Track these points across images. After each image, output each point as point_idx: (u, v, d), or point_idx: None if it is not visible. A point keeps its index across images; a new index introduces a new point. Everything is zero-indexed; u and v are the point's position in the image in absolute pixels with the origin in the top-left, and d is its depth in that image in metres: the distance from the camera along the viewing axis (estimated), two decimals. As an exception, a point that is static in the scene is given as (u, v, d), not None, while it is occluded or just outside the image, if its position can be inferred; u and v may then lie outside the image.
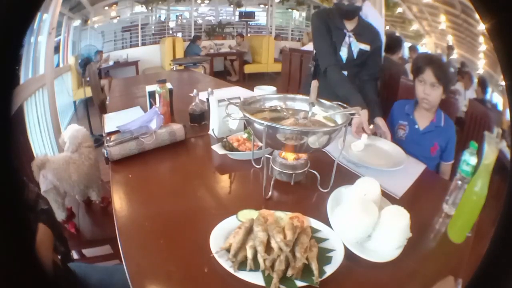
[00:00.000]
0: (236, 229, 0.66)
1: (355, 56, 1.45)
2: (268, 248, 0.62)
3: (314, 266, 0.59)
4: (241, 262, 0.60)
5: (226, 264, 0.60)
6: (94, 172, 1.27)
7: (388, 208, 0.70)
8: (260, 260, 0.59)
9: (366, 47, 1.45)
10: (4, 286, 0.35)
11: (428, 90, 1.25)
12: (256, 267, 0.59)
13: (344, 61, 1.46)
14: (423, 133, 1.30)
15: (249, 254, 0.60)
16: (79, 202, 1.35)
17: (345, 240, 0.68)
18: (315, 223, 0.72)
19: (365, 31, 1.46)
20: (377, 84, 1.54)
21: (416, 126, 1.32)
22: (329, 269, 0.60)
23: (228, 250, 0.62)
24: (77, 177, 1.21)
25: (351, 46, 1.44)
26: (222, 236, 0.66)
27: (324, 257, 0.63)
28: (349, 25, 1.44)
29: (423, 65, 1.27)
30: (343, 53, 1.45)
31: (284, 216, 0.72)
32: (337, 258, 0.62)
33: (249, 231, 0.65)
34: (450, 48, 3.81)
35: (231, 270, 0.59)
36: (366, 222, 0.68)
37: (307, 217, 0.72)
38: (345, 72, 1.46)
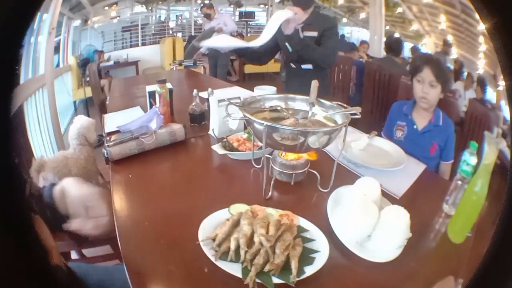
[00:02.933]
0: (224, 221, 0.68)
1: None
2: (251, 242, 0.63)
3: (294, 265, 0.59)
4: (224, 252, 0.62)
5: (209, 252, 0.61)
6: (91, 166, 1.27)
7: (388, 208, 0.70)
8: (241, 252, 0.60)
9: (313, 33, 1.55)
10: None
11: (426, 89, 1.26)
12: (237, 258, 0.60)
13: (290, 50, 1.55)
14: (422, 133, 1.30)
15: (232, 245, 0.62)
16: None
17: (345, 240, 0.68)
18: (304, 223, 0.72)
19: (316, 21, 1.56)
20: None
21: (415, 126, 1.32)
22: (310, 270, 0.59)
23: (214, 240, 0.64)
24: (77, 171, 1.22)
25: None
26: (211, 227, 0.68)
27: (307, 257, 0.63)
28: (304, 18, 1.54)
29: (422, 64, 1.27)
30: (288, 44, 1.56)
31: (274, 213, 0.73)
32: (320, 260, 0.62)
33: (236, 224, 0.67)
34: (447, 45, 3.81)
35: (213, 259, 0.60)
36: (366, 222, 0.68)
37: (297, 216, 0.73)
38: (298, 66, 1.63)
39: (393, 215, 0.68)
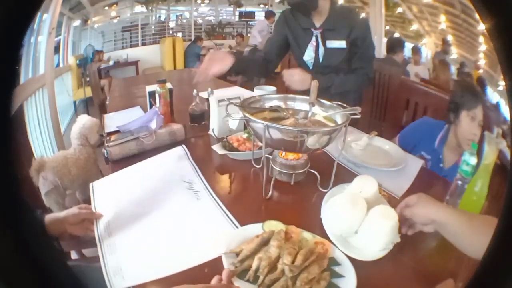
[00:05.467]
0: (253, 237, 0.64)
1: (321, 59, 1.20)
2: (274, 267, 0.59)
3: None
4: (244, 270, 0.58)
5: (227, 266, 0.58)
6: (91, 167, 1.26)
7: (378, 207, 0.69)
8: (260, 276, 0.57)
9: (340, 43, 1.16)
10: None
11: (475, 129, 1.07)
12: (255, 280, 0.57)
13: (311, 67, 1.23)
14: (445, 175, 1.13)
15: (254, 265, 0.58)
16: (79, 202, 1.35)
17: (330, 232, 0.68)
18: (339, 256, 0.65)
19: (340, 23, 1.15)
20: (360, 79, 1.22)
21: (441, 165, 1.16)
22: None
23: (237, 254, 0.61)
24: (76, 171, 1.21)
25: (318, 48, 1.20)
26: (238, 240, 0.64)
27: None
28: (317, 20, 1.17)
29: (476, 100, 1.09)
30: (308, 58, 1.21)
31: (310, 238, 0.67)
32: None
33: (265, 243, 0.63)
34: (446, 43, 3.81)
35: None
36: (352, 216, 0.68)
37: (333, 247, 0.66)
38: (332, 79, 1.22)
39: (380, 215, 0.66)
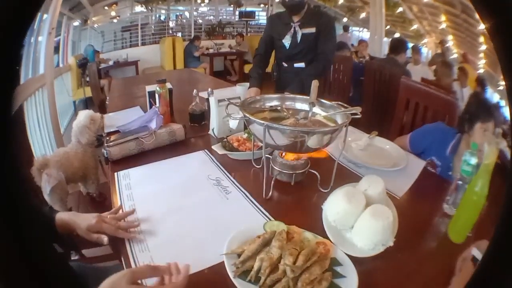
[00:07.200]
0: (255, 237, 0.64)
1: (298, 40, 1.64)
2: (276, 267, 0.58)
3: None
4: (245, 270, 0.58)
5: (229, 267, 0.58)
6: (89, 160, 1.27)
7: (374, 206, 0.69)
8: (262, 276, 0.57)
9: (310, 30, 1.63)
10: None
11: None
12: (256, 280, 0.57)
13: (288, 47, 1.67)
14: (452, 180, 1.11)
15: (256, 265, 0.58)
16: (79, 201, 1.35)
17: (325, 221, 0.69)
18: (341, 256, 0.64)
19: (311, 19, 1.62)
20: (320, 65, 1.64)
21: (450, 173, 1.14)
22: None
23: (239, 255, 0.60)
24: (78, 163, 1.23)
25: (296, 34, 1.65)
26: (239, 240, 0.64)
27: None
28: (296, 18, 1.63)
29: (491, 113, 1.10)
30: (286, 41, 1.67)
31: (312, 239, 0.66)
32: None
33: (267, 243, 0.63)
34: (443, 43, 3.80)
35: (231, 275, 0.57)
36: (344, 208, 0.68)
37: (335, 247, 0.65)
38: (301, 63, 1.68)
39: (371, 214, 0.66)
